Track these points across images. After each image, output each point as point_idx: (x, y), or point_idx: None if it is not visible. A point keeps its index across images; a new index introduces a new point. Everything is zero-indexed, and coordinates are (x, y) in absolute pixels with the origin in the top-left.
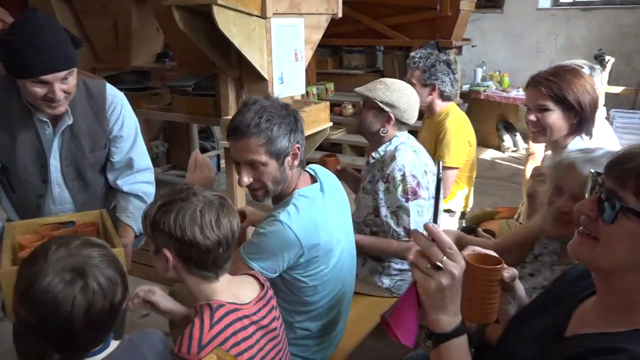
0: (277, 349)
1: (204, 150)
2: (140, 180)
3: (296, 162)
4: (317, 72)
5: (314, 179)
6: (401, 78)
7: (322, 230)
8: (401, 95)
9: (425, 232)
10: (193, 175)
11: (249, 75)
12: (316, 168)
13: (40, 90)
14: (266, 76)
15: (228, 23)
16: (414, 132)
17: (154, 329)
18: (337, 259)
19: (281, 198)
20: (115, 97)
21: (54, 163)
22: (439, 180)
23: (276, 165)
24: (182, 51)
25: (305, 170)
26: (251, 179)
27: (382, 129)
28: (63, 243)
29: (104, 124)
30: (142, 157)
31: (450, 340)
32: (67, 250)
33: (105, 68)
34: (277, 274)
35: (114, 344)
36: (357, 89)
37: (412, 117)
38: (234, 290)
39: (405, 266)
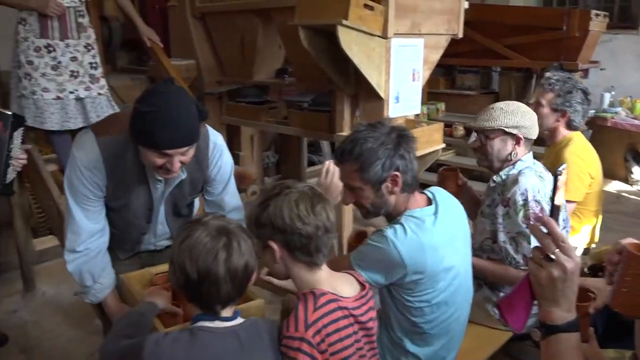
0: (372, 348)
1: (311, 163)
2: (241, 217)
3: (397, 188)
4: (428, 92)
5: (429, 202)
6: (518, 100)
7: (430, 254)
8: (522, 114)
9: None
10: (323, 180)
11: (365, 94)
12: (435, 191)
13: (159, 160)
14: (382, 95)
15: (350, 42)
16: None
17: (273, 319)
18: (447, 283)
19: (392, 217)
20: (217, 145)
21: (160, 208)
22: (555, 179)
23: (372, 190)
24: (302, 68)
25: (423, 192)
26: (353, 200)
27: (512, 152)
28: (212, 216)
29: (205, 171)
30: (233, 197)
31: (560, 334)
32: (220, 219)
33: (230, 81)
34: (380, 287)
35: (240, 319)
36: (475, 125)
37: (537, 131)
38: (335, 283)
39: None
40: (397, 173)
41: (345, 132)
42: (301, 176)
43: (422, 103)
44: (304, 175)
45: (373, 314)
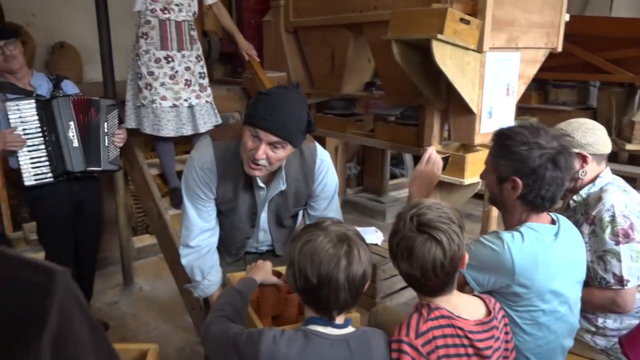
0: None
1: (393, 176)
2: None
3: (515, 194)
4: (519, 106)
5: (553, 223)
6: (620, 117)
7: (542, 270)
8: (584, 132)
9: None
10: (423, 167)
11: (456, 108)
12: (560, 217)
13: (250, 143)
14: (475, 110)
15: (444, 57)
16: None
17: (381, 331)
18: (553, 308)
19: (510, 222)
20: (324, 162)
21: (263, 215)
22: None
23: (495, 180)
24: (391, 81)
25: (548, 214)
26: (485, 179)
27: (580, 171)
28: (330, 221)
29: (310, 185)
30: (336, 213)
31: None
32: (339, 225)
33: (319, 94)
34: (480, 290)
35: (351, 328)
36: None
37: (607, 146)
38: (456, 302)
39: (624, 325)
40: (519, 181)
41: (433, 146)
42: (383, 188)
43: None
44: (386, 187)
45: (498, 344)
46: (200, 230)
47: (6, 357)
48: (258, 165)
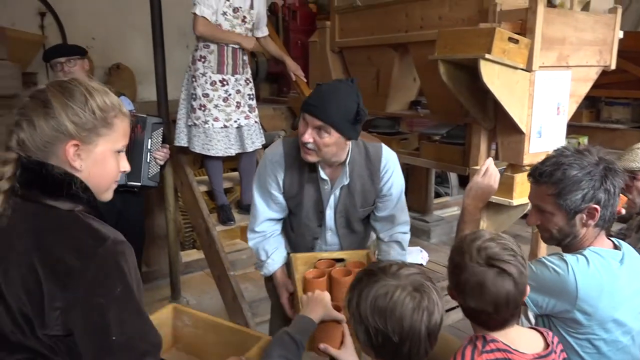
0: None
1: (438, 195)
2: (399, 231)
3: (592, 222)
4: (568, 124)
5: (616, 248)
6: None
7: (605, 298)
8: None
9: None
10: (479, 179)
11: (504, 127)
12: (622, 243)
13: (301, 128)
14: (524, 129)
15: (492, 76)
16: None
17: None
18: (615, 338)
19: (571, 249)
20: (389, 161)
21: (329, 212)
22: None
23: (564, 218)
24: (437, 100)
25: (609, 238)
26: (538, 222)
27: None
28: (396, 265)
29: (376, 184)
30: (403, 212)
31: None
32: (406, 268)
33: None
34: (538, 312)
35: None
36: (624, 165)
37: None
38: (513, 335)
39: None
40: (597, 206)
41: (491, 158)
42: (427, 207)
43: None
44: (431, 206)
45: None
46: (265, 218)
47: (64, 284)
48: (308, 149)
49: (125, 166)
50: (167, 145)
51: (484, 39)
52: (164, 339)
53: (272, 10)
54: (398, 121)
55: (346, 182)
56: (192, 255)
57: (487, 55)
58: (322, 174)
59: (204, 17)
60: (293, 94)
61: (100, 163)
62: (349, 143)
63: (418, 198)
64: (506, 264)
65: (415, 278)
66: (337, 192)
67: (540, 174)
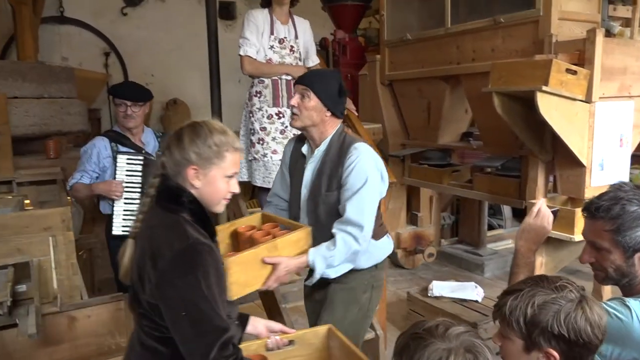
0: None
1: (491, 227)
2: (348, 231)
3: None
4: (633, 155)
5: None
6: None
7: None
8: None
9: None
10: (532, 220)
11: (563, 160)
12: None
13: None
14: (584, 162)
15: (550, 108)
16: None
17: None
18: None
19: (631, 292)
20: (357, 149)
21: (304, 192)
22: None
23: (622, 256)
24: (491, 132)
25: None
26: (592, 259)
27: None
28: (442, 325)
29: (339, 168)
30: (357, 211)
31: None
32: (454, 327)
33: (414, 145)
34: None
35: None
36: None
37: None
38: None
39: None
40: None
41: (538, 199)
42: (480, 240)
43: None
44: (484, 239)
45: None
46: (274, 193)
47: (155, 266)
48: (294, 115)
49: (235, 188)
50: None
51: (541, 70)
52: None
53: (322, 45)
54: (449, 153)
55: (318, 154)
56: None
57: (544, 87)
58: (304, 149)
59: (249, 56)
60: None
61: (212, 184)
62: (331, 122)
63: (470, 231)
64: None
65: (466, 338)
66: (310, 171)
67: (597, 209)
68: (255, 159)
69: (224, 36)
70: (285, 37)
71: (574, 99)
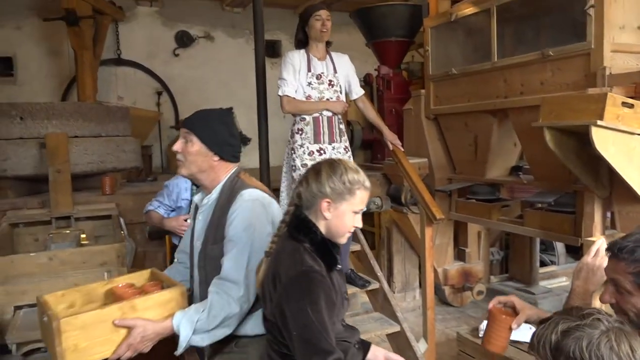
0: None
1: (542, 263)
2: (224, 291)
3: None
4: None
5: None
6: None
7: None
8: None
9: None
10: (590, 260)
11: (621, 196)
12: None
13: None
14: None
15: (606, 143)
16: None
17: None
18: None
19: None
20: (242, 197)
21: (197, 245)
22: None
23: None
24: (542, 167)
25: None
26: (613, 300)
27: None
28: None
29: (225, 218)
30: (235, 267)
31: None
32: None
33: (461, 179)
34: None
35: None
36: None
37: None
38: None
39: None
40: None
41: (596, 237)
42: (532, 277)
43: None
44: (536, 276)
45: None
46: (180, 249)
47: (275, 288)
48: (179, 161)
49: (359, 223)
50: None
51: (595, 104)
52: None
53: (366, 80)
54: (498, 187)
55: (206, 202)
56: None
57: (599, 122)
58: (197, 198)
59: (287, 96)
60: (388, 161)
61: (340, 217)
62: (222, 167)
63: (521, 267)
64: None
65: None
66: (202, 222)
67: (620, 249)
68: None
69: (269, 73)
70: (322, 73)
71: (632, 133)
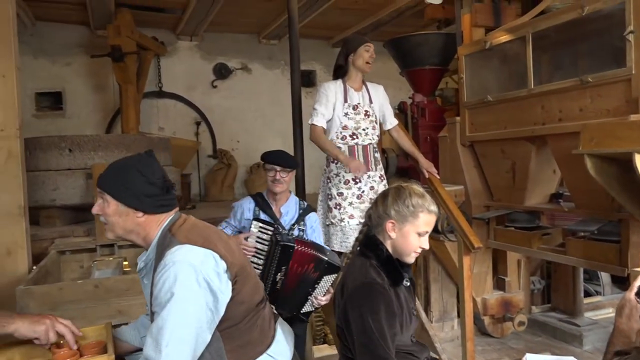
0: None
1: (586, 293)
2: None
3: None
4: None
5: None
6: None
7: None
8: None
9: None
10: (633, 296)
11: None
12: None
13: None
14: None
15: None
16: None
17: None
18: None
19: None
20: (171, 254)
21: (149, 312)
22: None
23: None
24: (583, 194)
25: None
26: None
27: None
28: None
29: (153, 277)
30: (153, 345)
31: None
32: None
33: (499, 206)
34: None
35: None
36: None
37: None
38: None
39: None
40: None
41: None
42: (577, 308)
43: None
44: (581, 307)
45: None
46: (146, 304)
47: (342, 296)
48: (104, 224)
49: (425, 244)
50: (332, 291)
51: (637, 131)
52: None
53: (400, 108)
54: (538, 215)
55: (141, 265)
56: (323, 350)
57: None
58: (140, 259)
59: (315, 125)
60: (425, 188)
61: (405, 238)
62: (152, 222)
63: (565, 298)
64: None
65: None
66: (147, 287)
67: None
68: (332, 223)
69: (304, 102)
70: (359, 103)
71: None
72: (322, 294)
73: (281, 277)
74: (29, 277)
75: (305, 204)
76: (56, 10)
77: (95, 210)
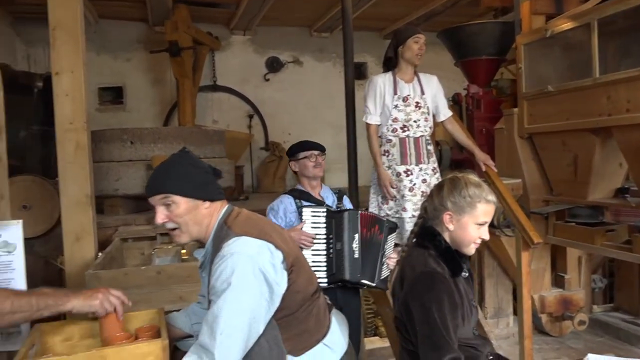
0: None
1: None
2: (197, 355)
3: None
4: None
5: None
6: None
7: None
8: None
9: None
10: None
11: None
12: None
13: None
14: None
15: None
16: None
17: None
18: None
19: None
20: (228, 247)
21: (205, 305)
22: None
23: None
24: None
25: None
26: None
27: None
28: None
29: (211, 268)
30: (208, 332)
31: None
32: None
33: (559, 200)
34: None
35: None
36: None
37: None
38: None
39: None
40: None
41: None
42: None
43: None
44: None
45: None
46: (201, 294)
47: (402, 285)
48: (172, 231)
49: (485, 235)
50: (399, 249)
51: None
52: None
53: (455, 100)
54: (602, 211)
55: (200, 259)
56: (375, 342)
57: None
58: (197, 254)
59: (369, 124)
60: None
61: (464, 229)
62: (209, 214)
63: (629, 297)
64: None
65: None
66: (205, 280)
67: None
68: (387, 215)
69: (357, 95)
70: (409, 95)
71: None
72: (391, 253)
73: (357, 245)
74: (96, 262)
75: (338, 190)
76: (118, 8)
77: (160, 219)
